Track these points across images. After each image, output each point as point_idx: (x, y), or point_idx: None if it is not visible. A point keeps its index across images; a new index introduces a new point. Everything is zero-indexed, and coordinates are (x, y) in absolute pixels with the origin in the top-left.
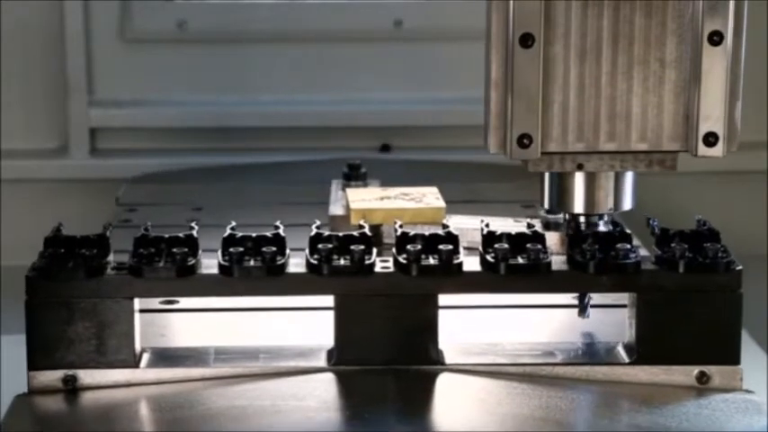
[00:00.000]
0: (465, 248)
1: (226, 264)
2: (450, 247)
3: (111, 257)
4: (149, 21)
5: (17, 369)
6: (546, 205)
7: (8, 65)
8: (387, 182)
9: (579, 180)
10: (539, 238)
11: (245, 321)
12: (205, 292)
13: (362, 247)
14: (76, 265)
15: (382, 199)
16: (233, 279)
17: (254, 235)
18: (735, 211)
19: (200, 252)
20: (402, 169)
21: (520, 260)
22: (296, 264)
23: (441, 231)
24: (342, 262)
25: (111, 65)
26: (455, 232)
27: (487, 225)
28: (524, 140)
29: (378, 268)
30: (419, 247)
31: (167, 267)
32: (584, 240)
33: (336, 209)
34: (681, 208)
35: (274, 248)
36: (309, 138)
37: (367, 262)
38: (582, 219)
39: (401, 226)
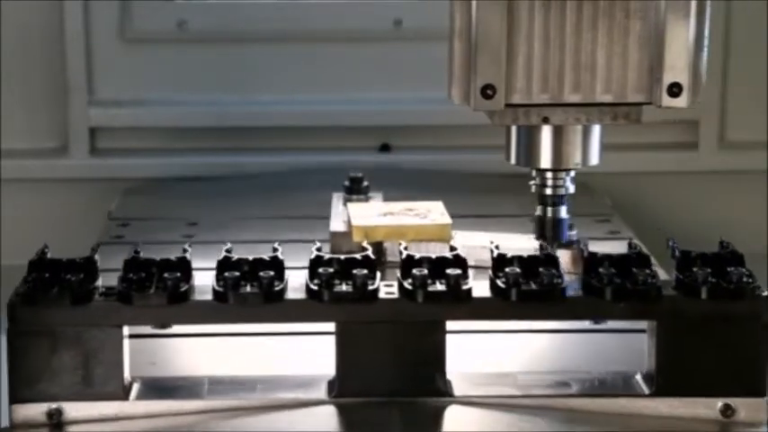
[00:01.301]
0: (473, 267)
1: (220, 290)
2: (459, 271)
3: (99, 282)
4: (149, 21)
5: None
6: (512, 161)
7: (8, 65)
8: (389, 192)
9: (545, 135)
10: (552, 261)
11: (241, 347)
12: (198, 319)
13: (365, 271)
14: (62, 291)
15: (385, 215)
16: (228, 306)
17: (250, 258)
18: (735, 211)
19: (193, 277)
20: (404, 178)
21: (533, 285)
22: (295, 289)
23: (448, 254)
24: (344, 287)
25: (111, 65)
26: (463, 254)
27: (497, 247)
28: (488, 91)
29: (382, 294)
30: (425, 271)
31: (158, 294)
32: (600, 263)
33: (337, 225)
34: (681, 208)
35: (272, 273)
36: (309, 138)
37: (370, 287)
38: (549, 174)
39: (406, 248)
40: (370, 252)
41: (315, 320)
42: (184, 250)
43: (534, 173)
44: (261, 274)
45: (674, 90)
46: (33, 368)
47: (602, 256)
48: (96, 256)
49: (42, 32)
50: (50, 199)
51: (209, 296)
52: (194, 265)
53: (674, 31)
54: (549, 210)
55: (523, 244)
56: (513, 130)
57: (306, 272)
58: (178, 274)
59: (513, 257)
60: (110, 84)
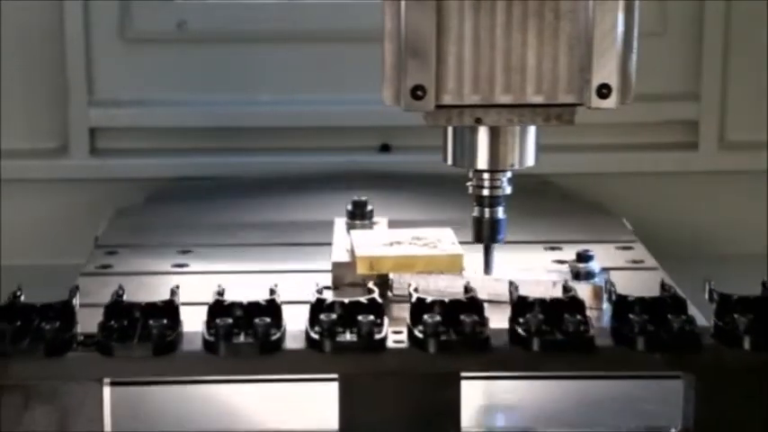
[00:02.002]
0: (487, 301)
1: (211, 339)
2: (475, 317)
3: (77, 329)
4: (149, 21)
5: None
6: (449, 161)
7: (8, 65)
8: (388, 193)
9: (482, 136)
10: (577, 305)
11: (234, 395)
12: (187, 372)
13: (371, 317)
14: (35, 341)
15: (391, 244)
16: (219, 358)
17: (245, 302)
18: (735, 211)
19: (181, 324)
20: (404, 179)
21: (557, 334)
22: (294, 337)
23: (462, 296)
24: (347, 336)
25: (111, 65)
26: (477, 292)
27: (516, 288)
28: (418, 92)
29: (390, 343)
30: (438, 317)
31: (142, 344)
32: (631, 308)
33: (340, 254)
34: (681, 208)
35: (268, 319)
36: (309, 138)
37: (377, 336)
38: (486, 176)
39: (416, 289)
40: (376, 295)
41: (315, 373)
42: (173, 292)
43: (471, 174)
44: (256, 320)
45: (604, 91)
46: (4, 426)
47: (633, 299)
48: (75, 301)
49: (42, 32)
50: (50, 199)
51: (198, 346)
52: (186, 299)
53: (601, 32)
54: (487, 211)
55: (541, 276)
56: (450, 131)
57: (305, 311)
58: (164, 321)
59: (535, 301)
60: (110, 84)
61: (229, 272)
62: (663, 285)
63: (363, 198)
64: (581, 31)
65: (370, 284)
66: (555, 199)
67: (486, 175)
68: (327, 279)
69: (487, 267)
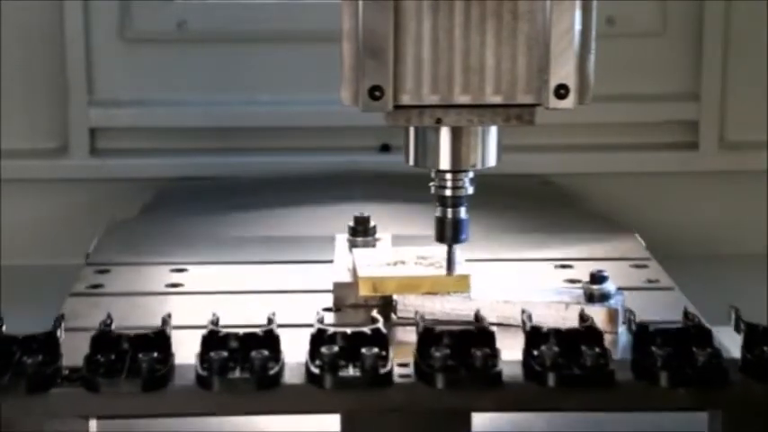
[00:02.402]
0: (495, 325)
1: (204, 374)
2: (486, 349)
3: (62, 362)
4: (149, 21)
5: None
6: (411, 162)
7: (8, 65)
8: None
9: (444, 136)
10: (595, 336)
11: (228, 427)
12: (178, 409)
13: (376, 349)
14: (17, 376)
15: (395, 264)
16: (213, 394)
17: (240, 333)
18: (735, 211)
19: (173, 356)
20: (407, 198)
21: (574, 369)
22: (292, 370)
23: (472, 326)
24: (350, 370)
25: (111, 65)
26: (489, 319)
27: (530, 317)
28: (376, 93)
29: (395, 377)
30: (446, 350)
31: (131, 380)
32: (653, 340)
33: (341, 274)
34: (681, 208)
35: (266, 352)
36: (309, 138)
37: (382, 371)
38: (449, 176)
39: (423, 318)
40: (380, 324)
41: (316, 411)
42: (164, 321)
43: (433, 174)
44: (253, 353)
45: (561, 92)
46: None
47: (655, 330)
48: (59, 332)
49: (42, 32)
50: (50, 199)
51: (191, 381)
52: (180, 321)
53: (558, 33)
54: (450, 211)
55: (552, 297)
56: (411, 131)
57: (305, 336)
58: (155, 354)
59: (550, 332)
60: (110, 84)
61: (225, 292)
62: (686, 314)
63: (366, 214)
64: (539, 32)
65: (374, 313)
66: (563, 211)
67: (448, 176)
68: (328, 300)
69: (450, 268)
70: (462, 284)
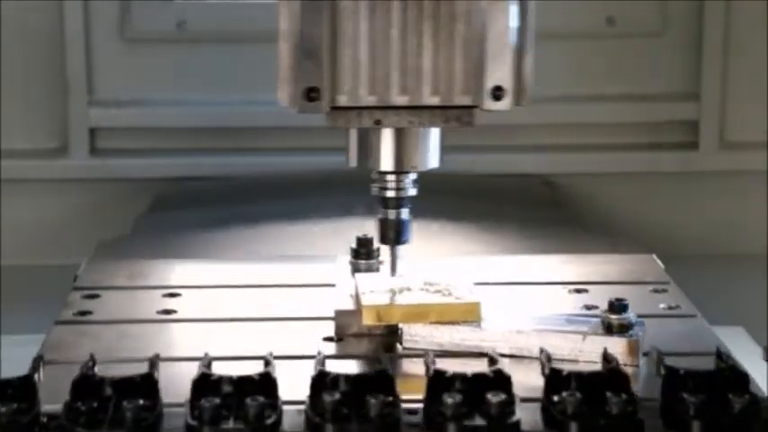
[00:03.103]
0: (506, 356)
1: (194, 424)
2: (503, 396)
3: (39, 408)
4: (149, 21)
5: (17, 369)
6: (353, 163)
7: (8, 65)
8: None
9: (385, 138)
10: (621, 379)
11: None
12: None
13: (382, 396)
14: None
15: (401, 291)
16: None
17: (234, 377)
18: (735, 211)
19: (161, 402)
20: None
21: (599, 419)
22: (291, 420)
23: (488, 370)
24: (354, 422)
25: (111, 65)
26: (507, 371)
27: (548, 358)
28: (312, 94)
29: (403, 427)
30: (459, 397)
31: (114, 431)
32: (684, 384)
33: (343, 301)
34: (681, 208)
35: (262, 399)
36: (309, 137)
37: (388, 419)
38: (391, 177)
39: (434, 362)
40: (387, 366)
41: None
42: (152, 363)
43: (375, 175)
44: (248, 400)
45: (497, 93)
46: None
47: (685, 373)
48: (37, 375)
49: (42, 32)
50: (50, 199)
51: (181, 429)
52: (172, 353)
53: (494, 34)
54: (392, 212)
55: (568, 327)
56: (353, 132)
57: (305, 369)
58: (141, 401)
59: (571, 375)
60: (110, 84)
61: (220, 319)
62: (719, 355)
63: (369, 235)
64: (476, 34)
65: (380, 354)
66: (572, 225)
67: (390, 177)
68: (329, 328)
69: (393, 270)
70: (472, 313)
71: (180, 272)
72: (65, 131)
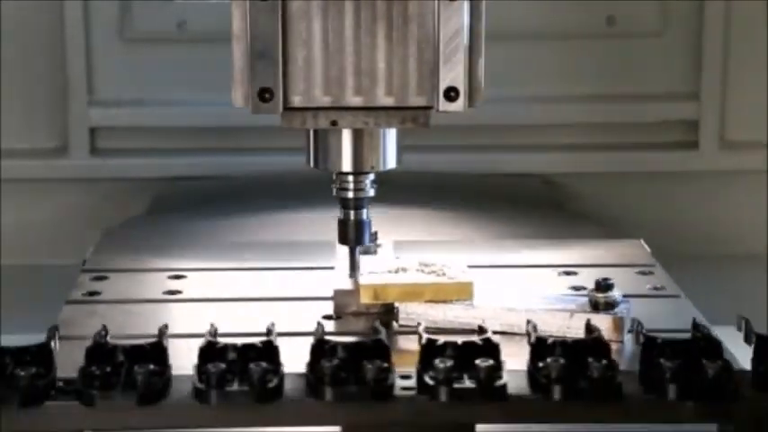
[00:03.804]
0: (499, 333)
1: (202, 387)
2: (491, 362)
3: (56, 374)
4: (149, 21)
5: None
6: (311, 164)
7: (8, 65)
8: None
9: (345, 139)
10: (602, 348)
11: None
12: (175, 423)
13: (378, 362)
14: (10, 389)
15: (397, 271)
16: (211, 407)
17: (238, 345)
18: (735, 211)
19: (170, 368)
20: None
21: (580, 382)
22: (293, 382)
23: (477, 339)
24: (351, 384)
25: (111, 65)
26: (492, 327)
27: (534, 327)
28: (265, 95)
29: (397, 390)
30: (450, 362)
31: (126, 393)
32: (661, 352)
33: (342, 282)
34: (681, 208)
35: (265, 364)
36: None
37: (384, 383)
38: (350, 178)
39: (426, 330)
40: (383, 335)
41: (317, 424)
42: (161, 332)
43: (335, 176)
44: (251, 365)
45: (451, 95)
46: None
47: (663, 341)
48: (53, 343)
49: (42, 32)
50: (50, 199)
51: (188, 394)
52: (178, 330)
53: (447, 35)
54: (352, 213)
55: (556, 305)
56: (311, 133)
57: (305, 345)
58: (151, 366)
59: (556, 343)
60: (110, 84)
61: (224, 299)
62: (695, 325)
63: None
64: (429, 35)
65: (376, 324)
66: (565, 215)
67: (349, 178)
68: (329, 307)
69: (353, 270)
70: (465, 292)
71: (184, 255)
72: (65, 131)
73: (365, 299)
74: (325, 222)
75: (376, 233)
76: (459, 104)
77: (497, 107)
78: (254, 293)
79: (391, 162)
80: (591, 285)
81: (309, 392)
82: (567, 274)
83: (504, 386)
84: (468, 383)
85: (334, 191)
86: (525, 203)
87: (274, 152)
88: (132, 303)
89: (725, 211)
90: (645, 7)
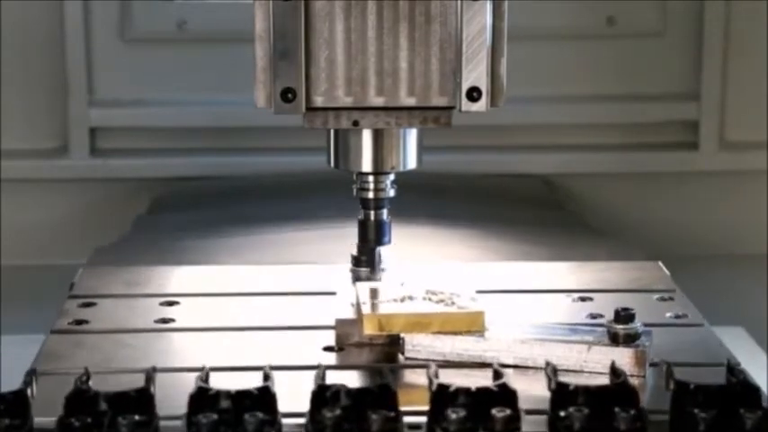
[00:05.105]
0: (509, 366)
1: None
2: (508, 411)
3: (32, 423)
4: (149, 21)
5: (17, 369)
6: (332, 164)
7: (8, 65)
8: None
9: (365, 139)
10: (629, 395)
11: None
12: None
13: (384, 412)
14: None
15: (403, 299)
16: None
17: (232, 392)
18: (735, 211)
19: (157, 418)
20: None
21: None
22: None
23: (492, 385)
24: None
25: (111, 65)
26: (512, 386)
27: (554, 371)
28: (288, 95)
29: None
30: (463, 413)
31: None
32: (694, 399)
33: (344, 310)
34: (681, 208)
35: (261, 414)
36: (310, 138)
37: None
38: (371, 178)
39: (437, 375)
40: (390, 379)
41: None
42: (148, 377)
43: (355, 177)
44: (246, 416)
45: (474, 95)
46: None
47: (696, 387)
48: (30, 390)
49: (42, 32)
50: (50, 199)
51: None
52: (170, 363)
53: (470, 35)
54: (372, 213)
55: (573, 337)
56: (332, 133)
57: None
58: (136, 417)
59: (578, 390)
60: (110, 84)
61: (219, 328)
62: (730, 368)
63: (371, 244)
64: (452, 34)
65: (383, 370)
66: (576, 229)
67: (370, 178)
68: (330, 337)
69: (374, 271)
70: (476, 323)
71: (178, 279)
72: (65, 131)
73: (369, 330)
74: (325, 241)
75: (380, 254)
76: (481, 104)
77: (497, 107)
78: (251, 322)
79: (412, 162)
80: (608, 311)
81: None
82: (582, 300)
83: None
84: None
85: (355, 191)
86: (525, 204)
87: (274, 152)
88: (121, 333)
89: (725, 211)
90: (645, 7)
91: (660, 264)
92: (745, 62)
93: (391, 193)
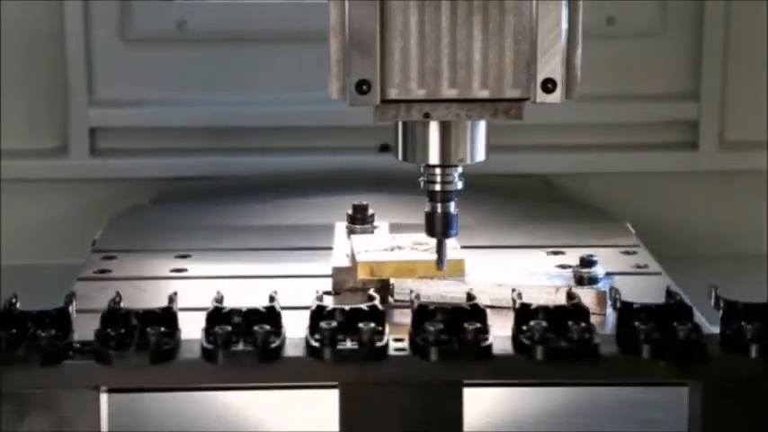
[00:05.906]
0: (488, 307)
1: (210, 347)
2: (478, 325)
3: (73, 336)
4: (149, 21)
5: None
6: (400, 157)
7: (8, 65)
8: (387, 194)
9: (433, 131)
10: (582, 313)
11: (232, 402)
12: (185, 381)
13: (373, 324)
14: (31, 349)
15: (392, 249)
16: (218, 366)
17: (244, 309)
18: (735, 211)
19: (179, 331)
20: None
21: (561, 342)
22: (294, 345)
23: (465, 304)
24: (348, 344)
25: (111, 65)
26: (482, 302)
27: (519, 295)
28: (363, 87)
29: (391, 351)
30: (440, 325)
31: (139, 352)
32: (636, 316)
33: (340, 259)
34: (681, 208)
35: (268, 327)
36: (309, 138)
37: (378, 344)
38: (438, 171)
39: (418, 296)
40: (377, 302)
41: (315, 381)
42: (170, 299)
43: (422, 169)
44: (255, 328)
45: (549, 86)
46: None
47: (638, 306)
48: (71, 308)
49: (42, 32)
50: (50, 199)
51: (197, 354)
52: (185, 304)
53: (545, 28)
54: (439, 206)
55: (543, 281)
56: (400, 126)
57: (305, 318)
58: (162, 329)
59: (539, 309)
60: (110, 84)
61: (228, 276)
62: (669, 292)
63: (364, 202)
64: (526, 27)
65: (371, 291)
66: (557, 202)
67: (437, 170)
68: (328, 284)
69: (440, 262)
70: (457, 269)
71: (189, 238)
72: (65, 131)
73: (362, 275)
74: (325, 207)
75: (373, 215)
76: (556, 96)
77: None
78: (256, 272)
79: (480, 155)
80: (577, 264)
81: (309, 353)
82: (555, 253)
83: (489, 347)
84: (456, 344)
85: (422, 184)
86: (525, 202)
87: (274, 152)
88: (141, 280)
89: (725, 211)
90: (645, 7)
91: (629, 225)
92: (745, 62)
93: (459, 185)
